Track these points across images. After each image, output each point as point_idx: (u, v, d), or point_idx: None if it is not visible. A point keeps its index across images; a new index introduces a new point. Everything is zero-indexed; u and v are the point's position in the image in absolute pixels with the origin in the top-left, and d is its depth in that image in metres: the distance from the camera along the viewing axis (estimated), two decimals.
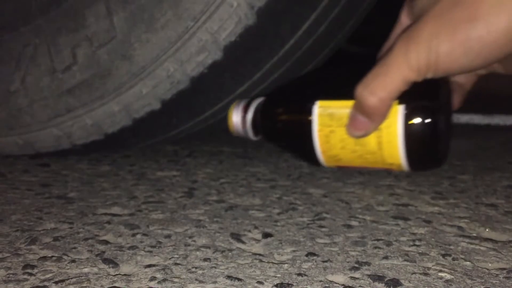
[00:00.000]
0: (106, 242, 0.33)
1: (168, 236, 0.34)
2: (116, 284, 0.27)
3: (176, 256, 0.31)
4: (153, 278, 0.28)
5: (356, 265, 0.30)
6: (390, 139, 0.39)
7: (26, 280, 0.28)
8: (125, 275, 0.28)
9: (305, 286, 0.27)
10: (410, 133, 0.39)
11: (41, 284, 0.27)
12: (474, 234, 0.35)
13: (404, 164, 0.41)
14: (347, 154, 0.43)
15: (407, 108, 0.38)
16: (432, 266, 0.30)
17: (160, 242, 0.33)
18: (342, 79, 0.44)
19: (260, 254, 0.32)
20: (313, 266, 0.30)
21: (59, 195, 0.44)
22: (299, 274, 0.29)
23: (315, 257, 0.31)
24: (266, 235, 0.35)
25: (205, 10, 0.45)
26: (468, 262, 0.30)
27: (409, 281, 0.28)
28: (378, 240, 0.34)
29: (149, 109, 0.50)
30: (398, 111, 0.38)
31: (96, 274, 0.29)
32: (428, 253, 0.32)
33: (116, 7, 0.47)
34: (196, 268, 0.29)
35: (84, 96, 0.50)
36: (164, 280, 0.28)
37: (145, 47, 0.47)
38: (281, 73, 0.54)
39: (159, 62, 0.47)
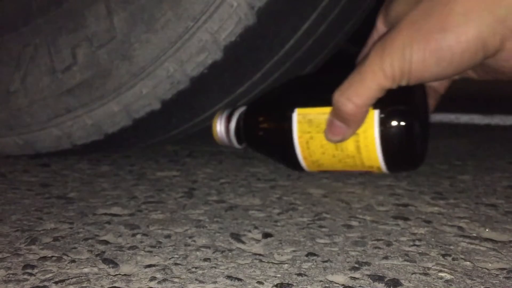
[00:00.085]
0: (106, 242, 0.33)
1: (168, 236, 0.34)
2: (116, 284, 0.27)
3: (176, 256, 0.31)
4: (153, 278, 0.28)
5: (356, 265, 0.30)
6: (368, 143, 0.41)
7: (26, 280, 0.28)
8: (125, 275, 0.28)
9: (305, 286, 0.27)
10: (386, 136, 0.40)
11: (41, 284, 0.27)
12: (474, 234, 0.35)
13: (383, 166, 0.43)
14: (328, 159, 0.44)
15: (382, 112, 0.40)
16: (432, 266, 0.30)
17: (160, 242, 0.33)
18: (320, 86, 0.46)
19: (260, 254, 0.32)
20: (313, 266, 0.30)
21: (59, 195, 0.44)
22: (299, 274, 0.29)
23: (315, 257, 0.31)
24: (266, 235, 0.35)
25: (205, 10, 0.45)
26: (468, 262, 0.30)
27: (409, 281, 0.28)
28: (378, 240, 0.34)
29: (149, 109, 0.50)
30: (374, 116, 0.40)
31: (96, 274, 0.29)
32: (428, 253, 0.32)
33: (116, 7, 0.47)
34: (196, 268, 0.29)
35: (84, 96, 0.50)
36: (164, 280, 0.28)
37: (145, 47, 0.47)
38: (281, 73, 0.54)
39: (159, 62, 0.47)
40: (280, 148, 0.47)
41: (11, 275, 0.28)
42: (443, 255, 0.31)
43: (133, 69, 0.48)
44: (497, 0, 0.32)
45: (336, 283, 0.28)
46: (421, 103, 0.42)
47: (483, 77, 0.39)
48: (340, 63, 0.45)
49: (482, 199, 0.44)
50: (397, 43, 0.35)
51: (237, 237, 0.34)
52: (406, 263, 0.30)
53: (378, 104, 0.39)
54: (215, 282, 0.28)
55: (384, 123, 0.40)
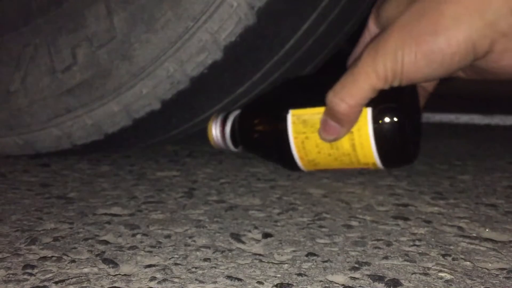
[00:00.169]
0: (106, 242, 0.33)
1: (168, 236, 0.34)
2: (116, 284, 0.27)
3: (176, 256, 0.31)
4: (153, 278, 0.28)
5: (356, 265, 0.30)
6: (362, 140, 0.42)
7: (26, 280, 0.28)
8: (125, 275, 0.28)
9: (305, 286, 0.27)
10: (380, 133, 0.41)
11: (41, 284, 0.27)
12: (474, 234, 0.35)
13: (378, 162, 0.43)
14: (324, 158, 0.45)
15: (375, 110, 0.41)
16: (432, 266, 0.30)
17: (160, 242, 0.33)
18: (313, 87, 0.46)
19: (260, 254, 0.32)
20: (313, 266, 0.30)
21: (59, 195, 0.44)
22: (299, 274, 0.29)
23: (315, 257, 0.31)
24: (266, 235, 0.35)
25: (205, 10, 0.45)
26: (468, 262, 0.30)
27: (409, 281, 0.28)
28: (378, 240, 0.34)
29: (149, 109, 0.50)
30: (367, 114, 0.41)
31: (96, 274, 0.29)
32: (428, 253, 0.32)
33: (116, 7, 0.47)
34: (196, 268, 0.29)
35: (84, 96, 0.50)
36: (164, 280, 0.28)
37: (145, 47, 0.47)
38: (281, 73, 0.54)
39: (159, 62, 0.47)
40: (276, 149, 0.47)
41: (11, 275, 0.28)
42: (443, 255, 0.31)
43: (133, 69, 0.48)
44: (487, 4, 0.32)
45: (336, 283, 0.28)
46: (412, 101, 0.43)
47: (472, 77, 0.39)
48: (340, 63, 0.45)
49: (482, 199, 0.44)
50: (389, 45, 0.36)
51: (237, 237, 0.34)
52: (406, 263, 0.30)
53: (371, 102, 0.40)
54: (215, 282, 0.28)
55: (377, 120, 0.41)
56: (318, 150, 0.44)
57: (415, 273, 0.29)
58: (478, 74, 0.38)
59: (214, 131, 0.51)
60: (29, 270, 0.29)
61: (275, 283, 0.28)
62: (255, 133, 0.49)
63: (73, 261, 0.30)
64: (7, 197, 0.43)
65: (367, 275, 0.29)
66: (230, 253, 0.32)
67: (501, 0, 0.32)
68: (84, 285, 0.27)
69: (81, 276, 0.28)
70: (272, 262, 0.30)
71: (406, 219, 0.38)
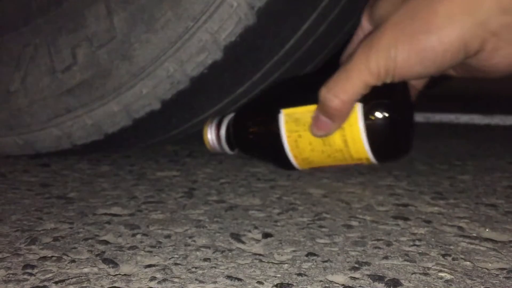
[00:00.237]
0: (106, 242, 0.33)
1: (168, 236, 0.34)
2: (116, 284, 0.27)
3: (176, 256, 0.31)
4: (153, 278, 0.28)
5: (356, 265, 0.30)
6: (354, 136, 0.42)
7: (26, 280, 0.28)
8: (125, 275, 0.28)
9: (305, 286, 0.27)
10: (370, 127, 0.42)
11: (41, 284, 0.27)
12: (474, 234, 0.35)
13: (371, 157, 0.44)
14: (317, 156, 0.45)
15: (365, 105, 0.41)
16: (432, 266, 0.30)
17: (160, 242, 0.33)
18: (304, 86, 0.47)
19: (260, 254, 0.32)
20: (313, 266, 0.30)
21: (59, 195, 0.44)
22: (299, 274, 0.29)
23: (315, 257, 0.31)
24: (266, 235, 0.35)
25: (205, 10, 0.45)
26: (468, 262, 0.30)
27: (409, 281, 0.28)
28: (378, 240, 0.34)
29: (149, 109, 0.50)
30: (358, 109, 0.42)
31: (96, 274, 0.29)
32: (428, 253, 0.32)
33: (116, 7, 0.47)
34: (196, 268, 0.29)
35: (84, 96, 0.50)
36: (164, 280, 0.28)
37: (145, 47, 0.47)
38: (281, 73, 0.54)
39: (159, 62, 0.47)
40: (270, 149, 0.48)
41: (11, 275, 0.28)
42: (443, 255, 0.31)
43: (133, 69, 0.48)
44: (478, 4, 0.33)
45: (336, 283, 0.28)
46: (402, 96, 0.43)
47: (462, 75, 0.40)
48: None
49: (482, 199, 0.44)
50: (382, 43, 0.36)
51: (237, 237, 0.34)
52: (406, 263, 0.30)
53: (362, 97, 0.41)
54: (215, 282, 0.28)
55: (368, 115, 0.42)
56: (311, 148, 0.45)
57: (415, 273, 0.29)
58: (468, 72, 0.39)
59: (210, 135, 0.52)
60: (29, 270, 0.29)
61: (275, 283, 0.28)
62: (249, 134, 0.50)
63: (73, 261, 0.30)
64: (7, 197, 0.43)
65: (367, 275, 0.29)
66: (230, 253, 0.32)
67: (492, 1, 0.33)
68: (84, 285, 0.27)
69: (81, 276, 0.28)
70: (272, 262, 0.30)
71: (406, 219, 0.38)
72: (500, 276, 0.29)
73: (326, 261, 0.30)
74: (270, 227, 0.36)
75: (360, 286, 0.27)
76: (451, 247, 0.33)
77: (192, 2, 0.45)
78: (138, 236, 0.34)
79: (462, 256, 0.31)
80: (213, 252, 0.32)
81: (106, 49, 0.48)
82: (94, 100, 0.50)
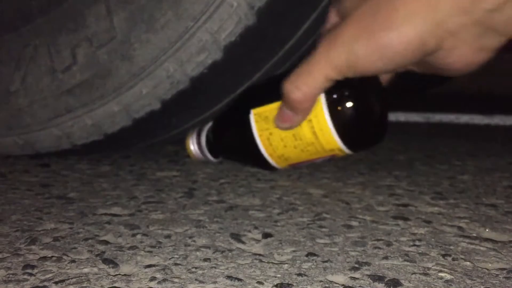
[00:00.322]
0: (106, 242, 0.33)
1: (168, 236, 0.34)
2: (116, 284, 0.27)
3: (176, 256, 0.31)
4: (153, 278, 0.28)
5: (356, 265, 0.30)
6: (321, 126, 0.43)
7: (26, 280, 0.28)
8: (125, 275, 0.28)
9: (305, 286, 0.27)
10: (335, 116, 0.42)
11: (41, 284, 0.27)
12: (474, 234, 0.35)
13: (342, 146, 0.44)
14: (291, 151, 0.46)
15: (329, 95, 0.42)
16: (432, 266, 0.30)
17: (160, 242, 0.33)
18: (271, 84, 0.47)
19: (260, 254, 0.32)
20: (313, 266, 0.30)
21: (59, 195, 0.44)
22: (299, 274, 0.29)
23: (315, 257, 0.31)
24: (266, 235, 0.35)
25: (205, 10, 0.45)
26: (468, 262, 0.30)
27: (409, 281, 0.28)
28: (378, 240, 0.34)
29: (149, 109, 0.50)
30: (321, 100, 0.42)
31: (96, 274, 0.29)
32: (428, 253, 0.32)
33: (116, 7, 0.47)
34: (196, 268, 0.29)
35: (84, 96, 0.50)
36: (164, 280, 0.28)
37: (145, 47, 0.47)
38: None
39: (159, 62, 0.47)
40: (247, 151, 0.49)
41: (11, 275, 0.28)
42: (443, 255, 0.31)
43: (133, 69, 0.48)
44: (437, 4, 0.34)
45: (336, 283, 0.28)
46: (369, 86, 0.43)
47: (423, 71, 0.41)
48: None
49: (482, 199, 0.44)
50: (344, 38, 0.37)
51: (237, 237, 0.34)
52: (406, 263, 0.30)
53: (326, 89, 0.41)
54: (215, 282, 0.28)
55: (331, 104, 0.42)
56: (283, 144, 0.45)
57: (415, 273, 0.29)
58: (428, 69, 0.39)
59: (192, 145, 0.54)
60: (29, 270, 0.29)
61: (275, 283, 0.28)
62: (227, 139, 0.51)
63: (73, 261, 0.30)
64: (7, 197, 0.43)
65: (367, 275, 0.29)
66: (230, 253, 0.32)
67: (450, 0, 0.33)
68: (84, 285, 0.27)
69: (81, 276, 0.28)
70: (272, 262, 0.30)
71: (406, 219, 0.38)
72: (500, 276, 0.29)
73: (326, 261, 0.30)
74: (270, 227, 0.36)
75: (360, 286, 0.27)
76: (451, 247, 0.33)
77: (192, 2, 0.45)
78: (138, 236, 0.34)
79: (462, 256, 0.31)
80: (213, 252, 0.32)
81: (106, 49, 0.48)
82: (94, 100, 0.50)
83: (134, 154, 0.61)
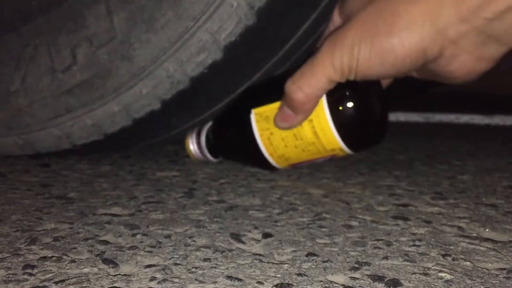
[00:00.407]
0: (106, 242, 0.33)
1: (168, 236, 0.34)
2: (116, 284, 0.27)
3: (176, 256, 0.31)
4: (153, 278, 0.28)
5: (356, 265, 0.30)
6: (323, 126, 0.43)
7: (26, 280, 0.28)
8: (125, 275, 0.28)
9: (305, 286, 0.27)
10: (337, 116, 0.43)
11: (41, 284, 0.27)
12: (474, 234, 0.35)
13: (343, 146, 0.44)
14: (292, 151, 0.46)
15: (330, 96, 0.42)
16: (432, 266, 0.30)
17: (160, 242, 0.33)
18: (271, 85, 0.48)
19: (260, 254, 0.32)
20: (313, 266, 0.30)
21: (59, 195, 0.44)
22: (299, 274, 0.29)
23: (315, 257, 0.31)
24: (266, 235, 0.35)
25: (205, 10, 0.45)
26: (468, 262, 0.30)
27: (409, 281, 0.28)
28: (378, 240, 0.34)
29: (149, 109, 0.50)
30: (323, 99, 0.42)
31: (96, 274, 0.29)
32: (428, 253, 0.32)
33: (116, 7, 0.47)
34: (196, 268, 0.29)
35: (84, 96, 0.50)
36: (164, 280, 0.28)
37: (145, 47, 0.47)
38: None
39: (159, 62, 0.47)
40: (248, 151, 0.49)
41: (11, 275, 0.28)
42: (443, 255, 0.31)
43: (133, 69, 0.48)
44: (438, 11, 0.34)
45: (336, 283, 0.28)
46: (369, 88, 0.43)
47: (423, 78, 0.41)
48: None
49: (482, 199, 0.44)
50: (347, 40, 0.37)
51: (237, 237, 0.34)
52: (406, 263, 0.30)
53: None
54: (215, 282, 0.28)
55: (333, 104, 0.42)
56: (284, 143, 0.45)
57: (415, 273, 0.29)
58: (428, 76, 0.40)
59: (192, 145, 0.54)
60: (29, 270, 0.29)
61: (275, 283, 0.28)
62: (226, 139, 0.51)
63: (73, 261, 0.30)
64: (7, 197, 0.43)
65: (367, 275, 0.29)
66: (230, 253, 0.32)
67: (451, 9, 0.33)
68: (84, 285, 0.27)
69: (81, 276, 0.28)
70: (272, 262, 0.30)
71: (406, 219, 0.38)
72: (500, 276, 0.29)
73: (326, 261, 0.31)
74: (270, 227, 0.36)
75: (360, 286, 0.27)
76: (451, 247, 0.33)
77: (192, 2, 0.45)
78: (138, 236, 0.34)
79: (462, 256, 0.31)
80: (213, 252, 0.32)
81: (106, 49, 0.48)
82: (94, 100, 0.50)
83: (134, 154, 0.61)
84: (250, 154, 0.48)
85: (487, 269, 0.30)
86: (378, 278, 0.28)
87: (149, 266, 0.30)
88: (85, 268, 0.29)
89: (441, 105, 1.25)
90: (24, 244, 0.33)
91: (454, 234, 0.35)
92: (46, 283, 0.27)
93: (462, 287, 0.27)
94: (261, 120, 0.46)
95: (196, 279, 0.28)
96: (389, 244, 0.33)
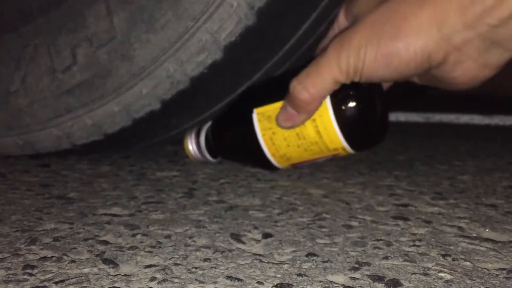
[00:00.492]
0: (106, 243, 0.33)
1: (168, 237, 0.34)
2: (116, 285, 0.27)
3: (176, 256, 0.31)
4: (153, 279, 0.28)
5: (356, 266, 0.30)
6: (326, 125, 0.43)
7: (26, 280, 0.28)
8: (125, 275, 0.28)
9: (305, 286, 0.27)
10: (341, 115, 0.43)
11: (41, 285, 0.27)
12: (474, 235, 0.35)
13: (346, 145, 0.44)
14: (294, 151, 0.46)
15: (334, 95, 0.42)
16: (432, 266, 0.30)
17: (160, 243, 0.33)
18: (273, 84, 0.48)
19: (260, 255, 0.32)
20: (313, 266, 0.30)
21: (59, 196, 0.44)
22: (299, 275, 0.29)
23: (315, 258, 0.31)
24: (266, 236, 0.35)
25: (205, 10, 0.45)
26: (468, 263, 0.30)
27: (409, 282, 0.28)
28: (378, 240, 0.34)
29: (149, 109, 0.50)
30: (326, 99, 0.42)
31: (96, 274, 0.29)
32: (428, 254, 0.32)
33: (116, 7, 0.47)
34: (196, 268, 0.29)
35: (84, 96, 0.50)
36: (164, 280, 0.28)
37: (145, 47, 0.47)
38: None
39: (159, 62, 0.47)
40: (249, 151, 0.49)
41: (11, 275, 0.28)
42: (443, 255, 0.31)
43: (133, 69, 0.48)
44: (444, 18, 0.34)
45: (336, 283, 0.28)
46: (372, 89, 0.43)
47: (426, 84, 0.41)
48: None
49: (482, 199, 0.44)
50: (354, 42, 0.37)
51: (237, 237, 0.34)
52: (406, 263, 0.30)
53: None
54: (215, 283, 0.28)
55: (337, 104, 0.42)
56: (287, 143, 0.45)
57: (415, 273, 0.29)
58: (431, 82, 0.40)
59: (191, 146, 0.54)
60: (29, 270, 0.29)
61: (275, 283, 0.28)
62: (227, 139, 0.51)
63: (73, 261, 0.30)
64: (7, 197, 0.43)
65: (367, 275, 0.29)
66: (230, 253, 0.32)
67: (457, 15, 0.33)
68: (84, 285, 0.27)
69: (81, 276, 0.28)
70: (272, 262, 0.30)
71: (406, 219, 0.38)
72: (500, 276, 0.29)
73: (326, 261, 0.31)
74: (270, 227, 0.36)
75: (360, 286, 0.27)
76: (451, 247, 0.33)
77: (192, 2, 0.45)
78: (138, 236, 0.34)
79: (462, 257, 0.31)
80: (213, 252, 0.32)
81: (106, 49, 0.48)
82: (94, 100, 0.50)
83: (134, 154, 0.61)
84: (252, 154, 0.48)
85: (487, 269, 0.30)
86: (378, 278, 0.28)
87: (149, 266, 0.30)
88: (85, 268, 0.29)
89: (441, 105, 1.25)
90: (24, 244, 0.33)
91: (454, 234, 0.35)
92: (46, 283, 0.27)
93: (462, 287, 0.27)
94: (263, 120, 0.45)
95: (196, 279, 0.28)
96: (389, 244, 0.33)
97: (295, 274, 0.29)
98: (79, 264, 0.30)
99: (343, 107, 0.42)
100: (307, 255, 0.31)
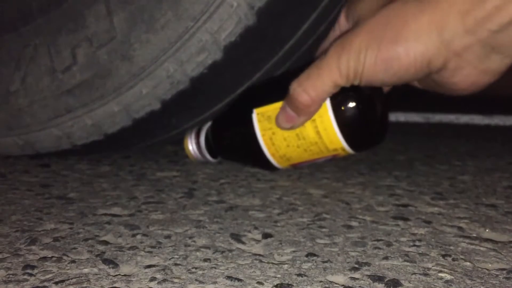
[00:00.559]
0: (106, 243, 0.33)
1: (168, 237, 0.34)
2: (116, 285, 0.27)
3: (176, 256, 0.31)
4: (153, 279, 0.28)
5: (356, 266, 0.30)
6: (326, 126, 0.43)
7: (26, 280, 0.28)
8: (125, 275, 0.28)
9: (305, 287, 0.27)
10: (341, 115, 0.43)
11: (41, 285, 0.27)
12: (474, 235, 0.35)
13: (346, 146, 0.44)
14: (294, 151, 0.46)
15: (333, 96, 0.42)
16: (432, 266, 0.30)
17: (160, 243, 0.33)
18: (273, 84, 0.48)
19: (260, 255, 0.32)
20: (313, 266, 0.30)
21: (59, 196, 0.44)
22: (299, 275, 0.29)
23: (315, 258, 0.31)
24: (266, 236, 0.35)
25: (205, 11, 0.45)
26: (468, 263, 0.31)
27: (409, 282, 0.28)
28: (378, 240, 0.34)
29: (149, 109, 0.50)
30: (327, 101, 0.42)
31: (96, 274, 0.29)
32: (428, 254, 0.32)
33: (116, 7, 0.47)
34: (196, 268, 0.29)
35: (84, 96, 0.50)
36: (164, 280, 0.28)
37: (145, 47, 0.47)
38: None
39: (159, 62, 0.47)
40: (249, 151, 0.49)
41: (11, 276, 0.28)
42: (443, 256, 0.31)
43: (133, 69, 0.48)
44: (445, 23, 0.34)
45: (336, 283, 0.28)
46: (372, 91, 0.43)
47: (426, 88, 0.41)
48: None
49: (482, 199, 0.44)
50: (354, 46, 0.37)
51: (237, 237, 0.34)
52: (406, 263, 0.30)
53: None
54: (215, 283, 0.28)
55: (337, 105, 0.42)
56: (286, 143, 0.46)
57: (415, 273, 0.29)
58: (432, 87, 0.40)
59: (190, 146, 0.54)
60: (29, 271, 0.29)
61: (275, 284, 0.28)
62: (227, 139, 0.51)
63: (73, 261, 0.30)
64: (7, 197, 0.43)
65: (367, 275, 0.29)
66: (230, 254, 0.32)
67: (457, 20, 0.33)
68: (84, 285, 0.27)
69: (81, 277, 0.28)
70: (272, 263, 0.30)
71: (406, 219, 0.38)
72: (500, 276, 0.29)
73: (326, 262, 0.31)
74: (270, 227, 0.36)
75: (360, 286, 0.27)
76: (451, 247, 0.33)
77: (192, 2, 0.45)
78: (138, 237, 0.34)
79: (462, 257, 0.31)
80: (213, 253, 0.32)
81: (106, 49, 0.48)
82: (94, 100, 0.50)
83: (134, 154, 0.61)
84: (251, 154, 0.48)
85: (487, 270, 0.30)
86: (378, 279, 0.28)
87: (149, 266, 0.30)
88: (85, 268, 0.29)
89: (441, 105, 1.25)
90: (24, 245, 0.33)
91: (454, 234, 0.35)
92: (46, 284, 0.27)
93: (462, 287, 0.27)
94: (263, 120, 0.46)
95: (196, 280, 0.28)
96: (389, 244, 0.33)
97: (295, 274, 0.29)
98: (79, 264, 0.30)
99: (343, 108, 0.42)
100: (307, 255, 0.31)
